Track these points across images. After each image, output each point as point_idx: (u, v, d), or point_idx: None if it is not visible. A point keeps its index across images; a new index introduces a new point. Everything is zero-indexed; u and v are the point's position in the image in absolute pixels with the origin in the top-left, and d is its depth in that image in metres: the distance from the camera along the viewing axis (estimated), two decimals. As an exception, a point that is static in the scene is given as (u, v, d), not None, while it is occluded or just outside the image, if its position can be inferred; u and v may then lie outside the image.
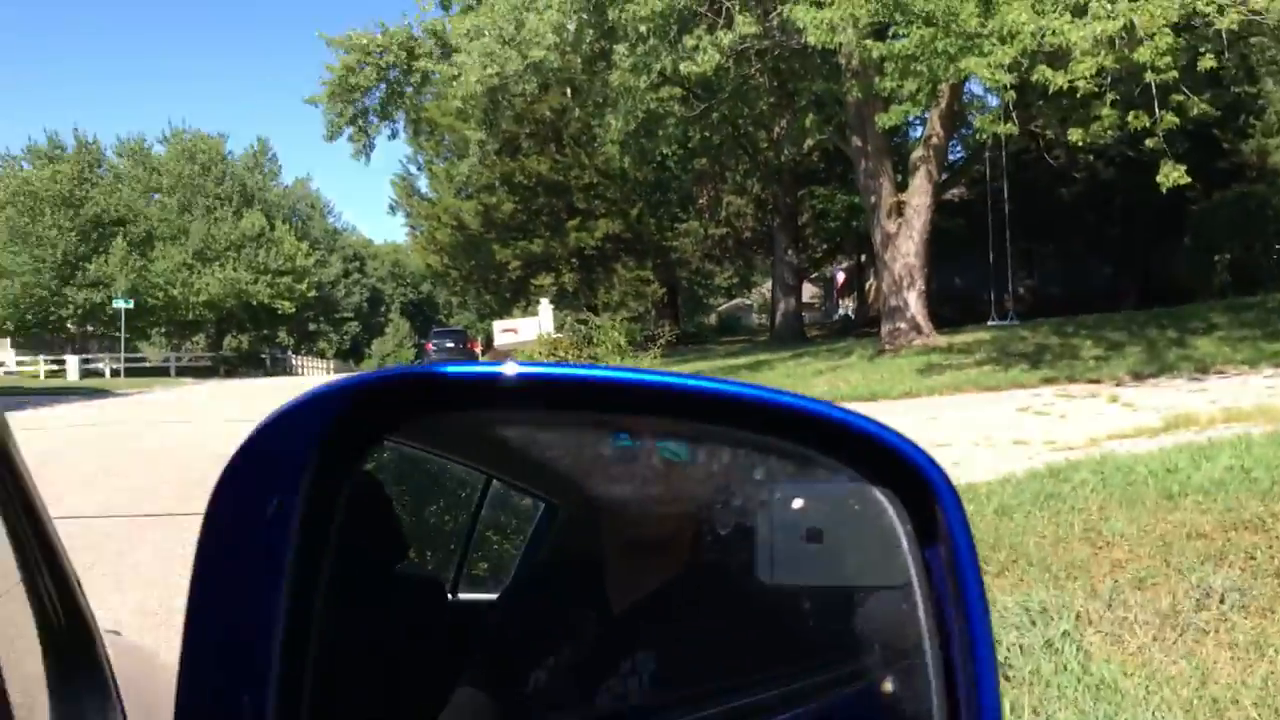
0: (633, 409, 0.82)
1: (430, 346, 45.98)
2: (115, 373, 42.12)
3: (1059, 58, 13.89)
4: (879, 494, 0.79)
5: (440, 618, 1.00)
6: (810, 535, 0.81)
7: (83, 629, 0.74)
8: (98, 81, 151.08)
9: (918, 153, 20.19)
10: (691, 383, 0.81)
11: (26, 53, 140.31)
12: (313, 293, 54.64)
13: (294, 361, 59.49)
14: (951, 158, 28.45)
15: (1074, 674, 3.80)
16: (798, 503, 0.83)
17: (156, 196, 52.13)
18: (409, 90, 35.27)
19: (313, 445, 0.74)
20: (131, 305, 43.41)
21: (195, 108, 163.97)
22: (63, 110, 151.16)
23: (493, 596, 1.02)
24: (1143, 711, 3.44)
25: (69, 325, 46.17)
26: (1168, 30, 13.04)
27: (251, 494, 0.73)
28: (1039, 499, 6.39)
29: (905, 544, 0.78)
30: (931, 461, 0.78)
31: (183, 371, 45.66)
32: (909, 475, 0.77)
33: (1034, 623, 4.27)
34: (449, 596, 1.01)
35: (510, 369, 0.79)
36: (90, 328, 47.73)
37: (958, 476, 7.27)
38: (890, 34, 15.54)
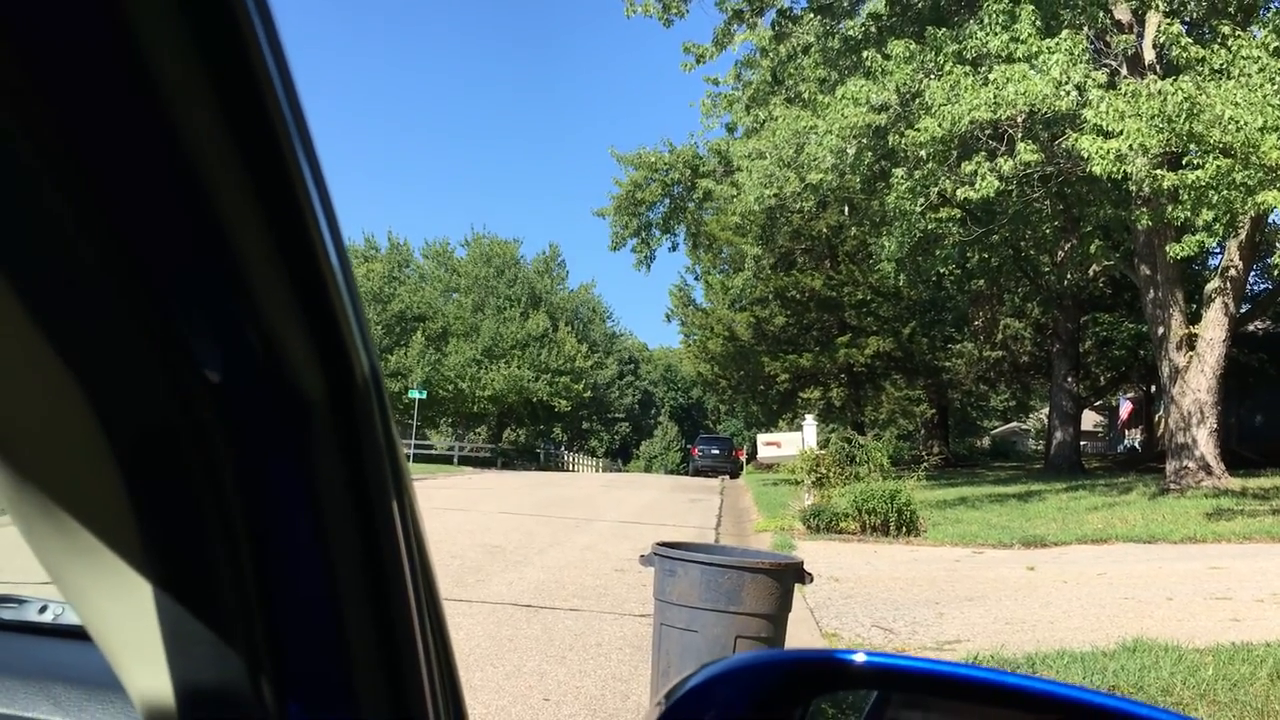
0: (979, 704, 0.87)
1: (696, 451, 46.83)
2: (406, 457, 45.05)
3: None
4: None
5: None
6: None
7: None
8: (412, 189, 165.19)
9: (1213, 284, 19.15)
10: (1035, 686, 0.86)
11: (353, 161, 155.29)
12: (588, 393, 56.73)
13: (566, 457, 61.73)
14: (1256, 286, 26.78)
15: None
16: None
17: (454, 295, 55.93)
18: (690, 205, 36.73)
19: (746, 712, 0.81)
20: (425, 396, 46.57)
21: (495, 214, 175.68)
22: (379, 214, 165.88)
23: None
24: None
25: (368, 411, 49.86)
26: None
27: None
28: (1322, 667, 5.99)
29: None
30: None
31: (464, 460, 48.31)
32: None
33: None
34: None
35: (859, 658, 0.88)
36: (387, 414, 51.38)
37: (1236, 634, 6.91)
38: (1184, 162, 15.01)
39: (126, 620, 0.51)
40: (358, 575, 0.52)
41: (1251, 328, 26.14)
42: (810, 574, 5.26)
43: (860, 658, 0.88)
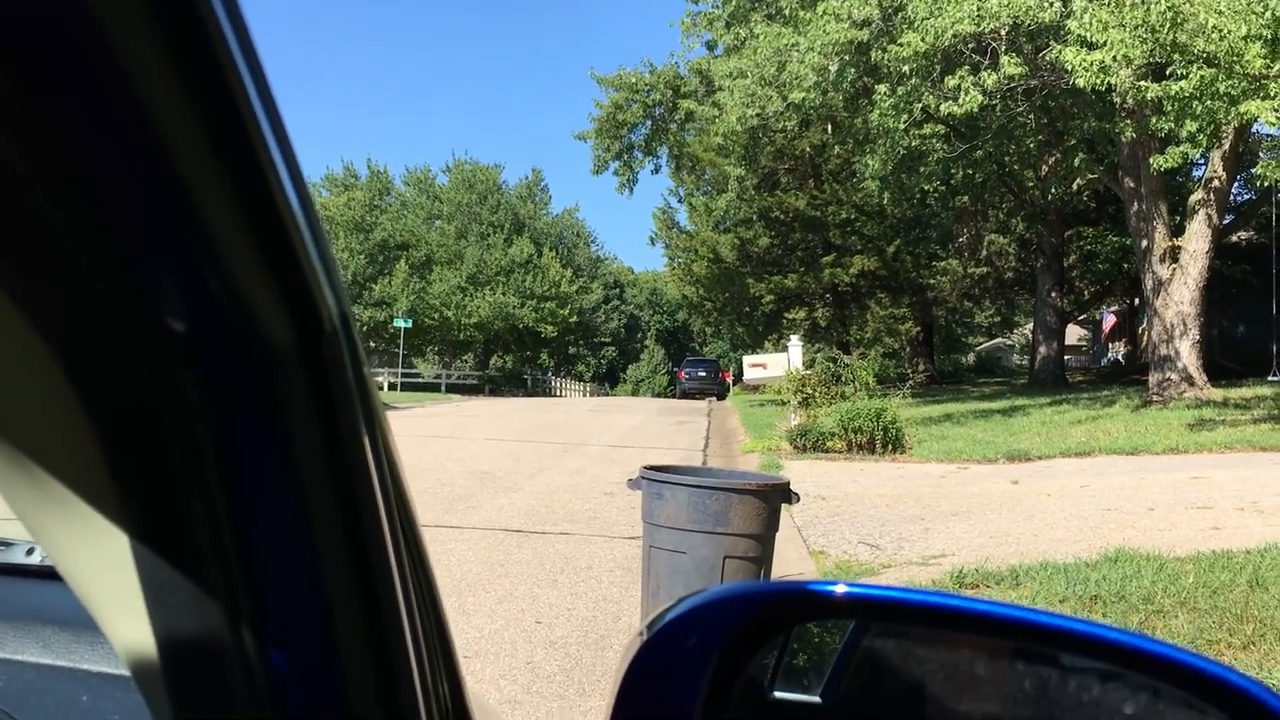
0: (955, 630, 0.90)
1: (682, 374, 47.04)
2: (393, 386, 45.25)
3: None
4: None
5: None
6: None
7: None
8: (391, 117, 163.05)
9: (1196, 195, 19.15)
10: (1012, 613, 0.87)
11: (327, 89, 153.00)
12: (574, 318, 56.74)
13: (554, 383, 61.89)
14: (1239, 197, 26.79)
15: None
16: None
17: (437, 223, 55.58)
18: (673, 127, 36.41)
19: (715, 648, 0.82)
20: (410, 325, 46.50)
21: (475, 139, 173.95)
22: (359, 142, 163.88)
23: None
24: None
25: (356, 341, 49.80)
26: None
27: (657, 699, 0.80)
28: (1300, 572, 6.11)
29: None
30: None
31: (452, 388, 48.42)
32: None
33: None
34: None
35: (840, 589, 0.88)
36: (373, 343, 51.47)
37: (1217, 543, 7.02)
38: (1168, 73, 14.90)
39: (104, 570, 0.51)
40: (333, 518, 0.52)
41: (1235, 239, 26.21)
42: (797, 494, 5.31)
43: (841, 589, 0.89)
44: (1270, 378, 19.80)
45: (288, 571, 0.51)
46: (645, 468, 5.30)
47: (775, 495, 5.17)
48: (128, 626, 0.52)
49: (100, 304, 0.44)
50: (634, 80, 36.42)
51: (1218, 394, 18.62)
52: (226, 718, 0.51)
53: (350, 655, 0.53)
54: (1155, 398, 18.97)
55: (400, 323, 45.60)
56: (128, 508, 0.49)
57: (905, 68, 17.08)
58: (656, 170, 40.30)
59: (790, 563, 7.14)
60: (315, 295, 0.49)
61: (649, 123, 37.46)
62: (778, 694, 0.96)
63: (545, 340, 56.14)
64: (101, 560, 0.50)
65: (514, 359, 59.01)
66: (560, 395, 56.28)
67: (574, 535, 8.35)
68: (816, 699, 0.97)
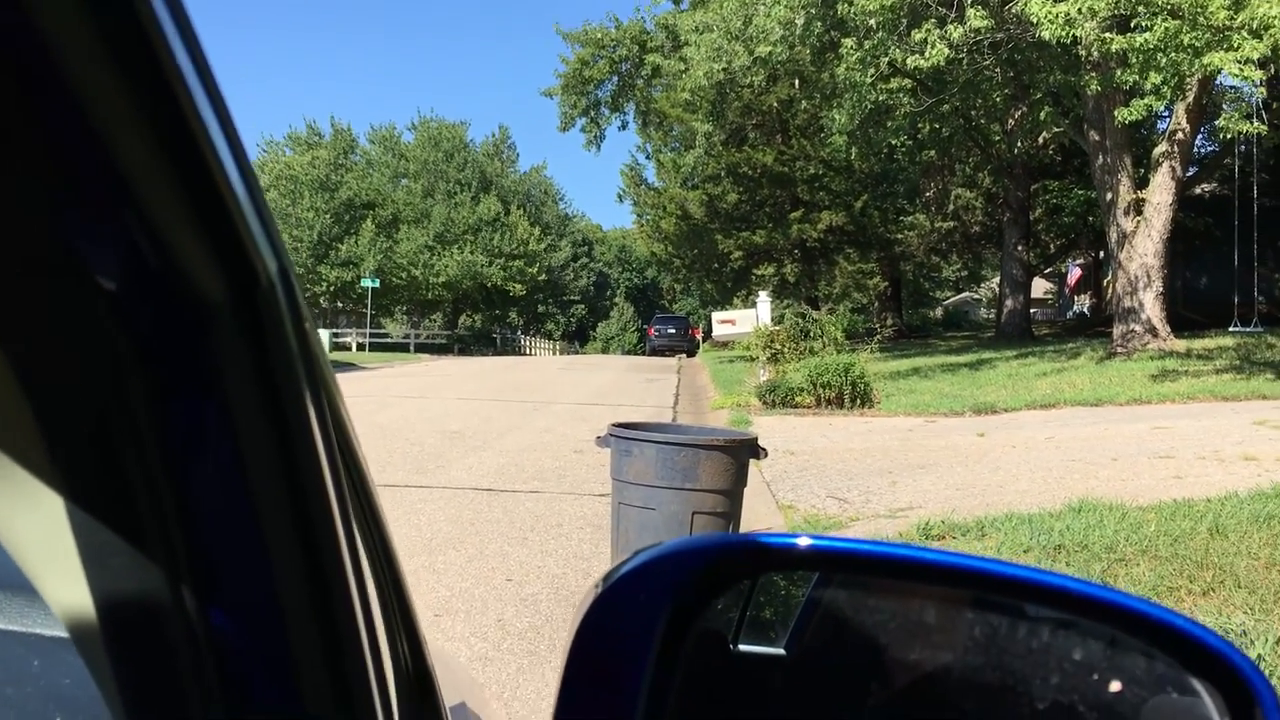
0: (920, 582, 0.90)
1: (652, 331, 47.04)
2: (361, 346, 45.01)
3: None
4: (1199, 685, 0.78)
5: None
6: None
7: (427, 683, 0.72)
8: (355, 74, 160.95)
9: (1161, 148, 19.25)
10: (969, 563, 0.89)
11: (293, 46, 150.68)
12: (543, 276, 56.53)
13: (523, 341, 61.75)
14: (1202, 150, 26.94)
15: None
16: (1115, 685, 0.84)
17: (404, 181, 55.07)
18: (639, 82, 36.18)
19: (669, 599, 0.82)
20: (377, 284, 46.18)
21: (442, 98, 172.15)
22: (322, 101, 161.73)
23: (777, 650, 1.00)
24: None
25: (321, 301, 49.46)
26: None
27: (607, 655, 0.80)
28: (1259, 520, 6.20)
29: None
30: (1253, 666, 0.78)
31: (420, 348, 48.23)
32: (1227, 675, 0.77)
33: (1229, 645, 4.24)
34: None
35: (803, 541, 0.89)
36: (340, 304, 51.12)
37: (1178, 491, 7.12)
38: (1133, 25, 14.92)
39: (40, 533, 0.50)
40: (273, 475, 0.51)
41: (1198, 191, 26.37)
42: (765, 449, 5.34)
43: (804, 541, 0.89)
44: (1232, 328, 20.02)
45: (227, 530, 0.50)
46: (614, 425, 5.31)
47: (743, 451, 5.19)
48: (65, 588, 0.51)
49: (27, 263, 0.43)
50: (600, 35, 36.12)
51: (1181, 345, 18.83)
52: (167, 677, 0.50)
53: (294, 613, 0.52)
54: (1119, 349, 19.16)
55: (367, 283, 45.28)
56: (63, 471, 0.48)
57: (871, 21, 17.01)
58: (624, 127, 40.18)
59: (759, 517, 7.19)
60: (248, 249, 0.48)
61: (615, 79, 37.22)
62: (742, 647, 0.97)
63: (514, 299, 55.95)
64: (38, 524, 0.49)
65: (483, 318, 58.79)
66: (530, 354, 56.18)
67: (544, 493, 8.37)
68: (780, 651, 0.98)
